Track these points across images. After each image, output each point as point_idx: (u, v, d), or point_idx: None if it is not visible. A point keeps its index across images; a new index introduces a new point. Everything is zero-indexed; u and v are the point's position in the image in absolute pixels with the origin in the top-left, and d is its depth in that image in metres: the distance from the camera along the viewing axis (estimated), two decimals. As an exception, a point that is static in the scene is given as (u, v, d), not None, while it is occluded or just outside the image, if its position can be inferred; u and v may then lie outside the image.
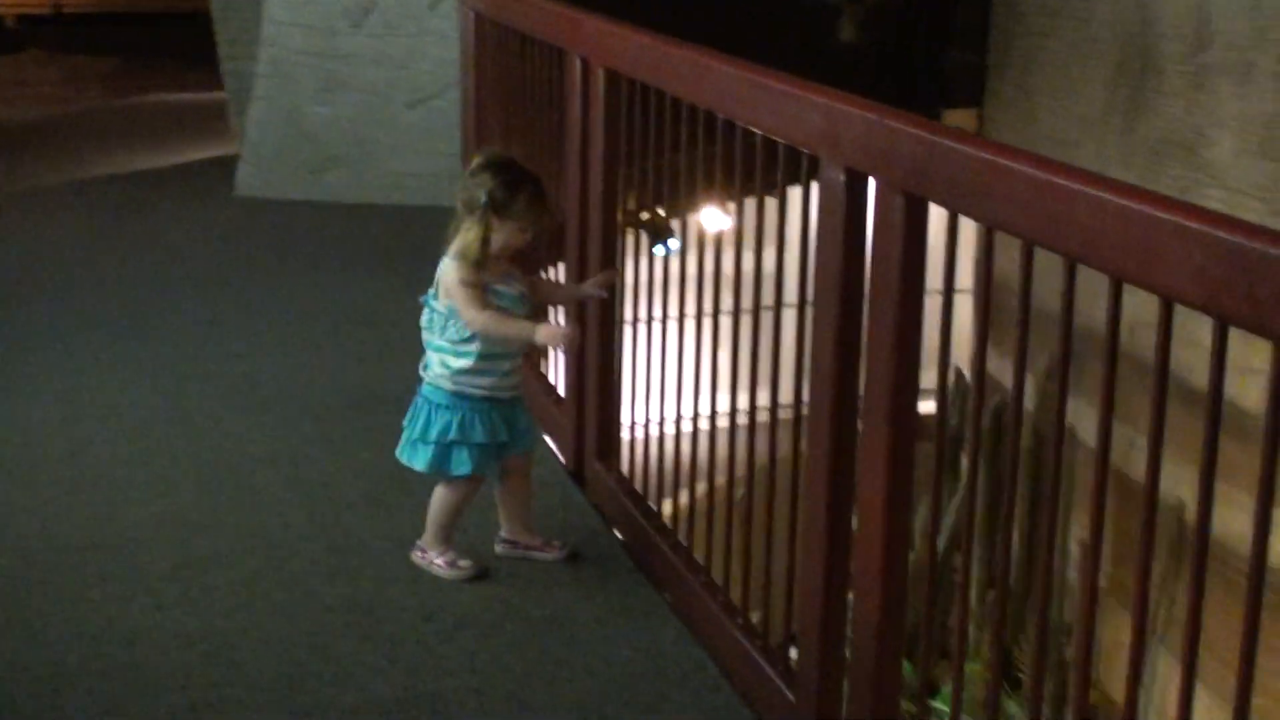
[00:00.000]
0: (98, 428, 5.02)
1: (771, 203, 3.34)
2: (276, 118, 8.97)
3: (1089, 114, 7.31)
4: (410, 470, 4.59)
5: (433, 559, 3.95)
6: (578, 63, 4.38)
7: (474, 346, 3.76)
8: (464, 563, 3.94)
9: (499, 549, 4.02)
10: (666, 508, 4.17)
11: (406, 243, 7.87)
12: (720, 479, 3.73)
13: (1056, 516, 2.59)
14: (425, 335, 3.86)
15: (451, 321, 3.75)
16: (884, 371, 2.80)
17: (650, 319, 4.20)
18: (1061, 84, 7.68)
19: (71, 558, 4.00)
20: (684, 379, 3.96)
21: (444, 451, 3.82)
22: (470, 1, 6.08)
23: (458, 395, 3.80)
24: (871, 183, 2.88)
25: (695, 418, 3.87)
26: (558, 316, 4.59)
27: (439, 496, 3.93)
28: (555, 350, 3.76)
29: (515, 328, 3.75)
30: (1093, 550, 2.52)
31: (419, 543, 3.98)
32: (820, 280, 3.03)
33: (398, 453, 3.93)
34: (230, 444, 4.87)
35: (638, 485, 4.23)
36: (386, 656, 3.50)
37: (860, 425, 2.91)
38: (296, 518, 4.26)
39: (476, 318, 3.71)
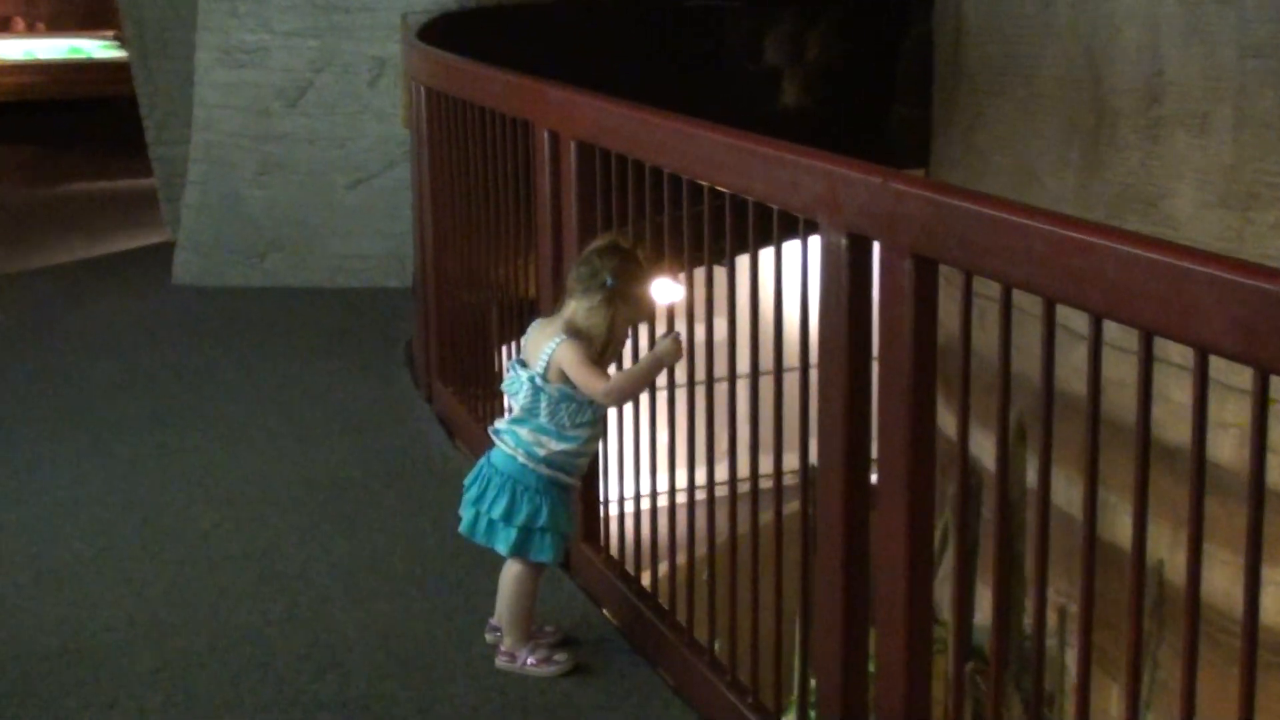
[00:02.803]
0: (56, 527, 4.82)
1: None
2: (213, 203, 8.78)
3: (1040, 169, 7.31)
4: (388, 558, 4.51)
5: (524, 660, 3.72)
6: (545, 135, 4.29)
7: (585, 432, 3.63)
8: (560, 656, 3.74)
9: (490, 637, 3.87)
10: (646, 579, 4.07)
11: (353, 325, 7.77)
12: (704, 550, 3.64)
13: (1045, 580, 2.55)
14: (519, 412, 3.64)
15: (564, 404, 3.58)
16: (900, 434, 2.73)
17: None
18: (1011, 140, 7.67)
19: (44, 665, 3.82)
20: (663, 452, 3.86)
21: (526, 536, 3.64)
22: (419, 77, 6.00)
23: (551, 481, 3.64)
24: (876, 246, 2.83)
25: (674, 490, 3.79)
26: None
27: (517, 585, 3.70)
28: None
29: (642, 370, 3.59)
30: (1083, 616, 2.46)
31: (501, 647, 3.75)
32: (826, 344, 2.96)
33: (468, 530, 3.69)
34: (196, 539, 4.70)
35: (628, 566, 4.12)
36: (386, 755, 3.37)
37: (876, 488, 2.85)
38: (275, 613, 4.10)
39: (610, 390, 3.53)
